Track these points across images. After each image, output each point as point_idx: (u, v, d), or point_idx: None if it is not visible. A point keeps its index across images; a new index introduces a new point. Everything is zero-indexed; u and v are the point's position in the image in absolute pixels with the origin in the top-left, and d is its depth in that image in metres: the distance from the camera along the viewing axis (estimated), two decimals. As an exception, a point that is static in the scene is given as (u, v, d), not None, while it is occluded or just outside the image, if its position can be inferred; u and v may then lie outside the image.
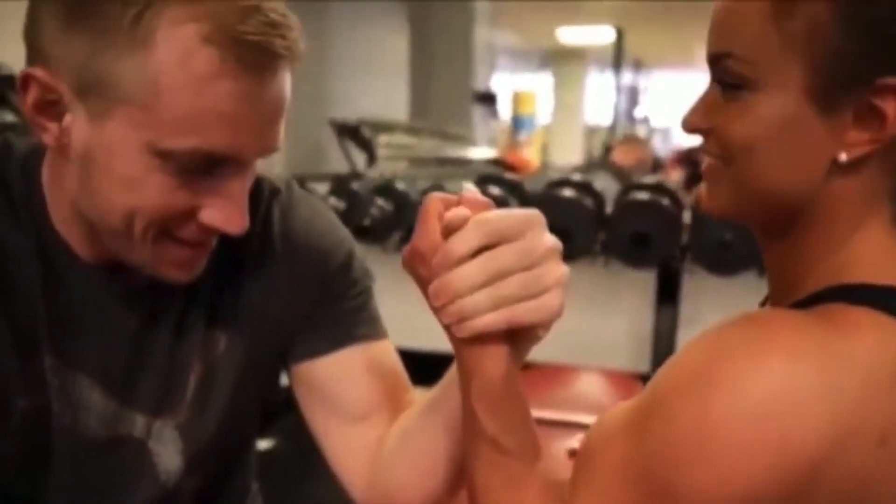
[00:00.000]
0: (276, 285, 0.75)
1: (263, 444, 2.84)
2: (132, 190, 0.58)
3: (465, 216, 0.55)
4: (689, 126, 0.62)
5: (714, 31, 0.60)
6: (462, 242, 0.55)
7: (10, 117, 1.99)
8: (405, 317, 1.46)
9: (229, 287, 0.74)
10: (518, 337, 0.59)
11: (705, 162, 0.63)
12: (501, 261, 0.54)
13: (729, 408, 0.51)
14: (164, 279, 0.66)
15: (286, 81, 0.61)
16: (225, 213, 0.61)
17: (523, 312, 0.55)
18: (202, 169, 0.59)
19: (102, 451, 0.72)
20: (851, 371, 0.51)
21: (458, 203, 0.57)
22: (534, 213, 0.56)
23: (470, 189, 0.58)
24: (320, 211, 0.81)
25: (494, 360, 0.59)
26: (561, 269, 0.56)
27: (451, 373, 0.70)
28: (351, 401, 0.78)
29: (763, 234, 0.65)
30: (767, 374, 0.51)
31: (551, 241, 0.56)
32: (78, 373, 0.70)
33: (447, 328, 0.59)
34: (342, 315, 0.78)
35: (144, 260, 0.64)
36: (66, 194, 0.65)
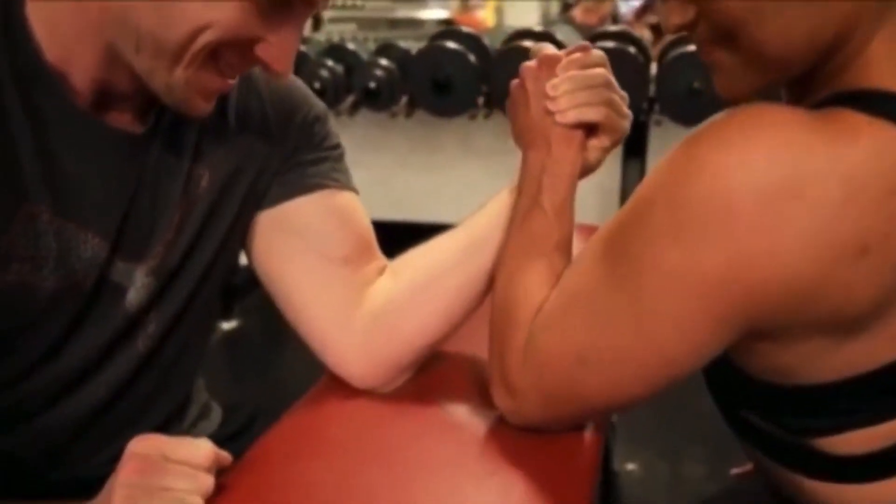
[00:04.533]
0: (255, 132, 0.77)
1: (227, 325, 2.84)
2: (213, 5, 0.59)
3: (555, 54, 0.74)
4: (672, 27, 0.59)
5: None
6: (563, 64, 0.73)
7: None
8: (356, 184, 1.36)
9: (213, 131, 0.75)
10: (591, 137, 0.74)
11: (704, 53, 0.59)
12: (579, 80, 0.72)
13: (704, 190, 0.52)
14: (185, 111, 0.67)
15: None
16: (279, 52, 0.64)
17: (589, 112, 0.72)
18: (281, 5, 0.61)
19: (86, 297, 0.69)
20: (832, 179, 0.50)
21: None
22: (600, 54, 0.74)
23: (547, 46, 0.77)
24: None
25: (573, 146, 0.72)
26: (608, 93, 0.73)
27: (480, 227, 0.78)
28: (331, 239, 0.79)
29: (792, 79, 0.60)
30: (749, 166, 0.51)
31: (607, 73, 0.74)
32: (74, 223, 0.67)
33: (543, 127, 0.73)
34: (320, 161, 0.80)
35: (177, 84, 0.63)
36: (84, 13, 0.62)
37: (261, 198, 0.79)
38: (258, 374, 2.56)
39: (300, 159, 0.79)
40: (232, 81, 0.68)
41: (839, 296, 0.52)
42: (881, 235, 0.51)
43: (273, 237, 0.79)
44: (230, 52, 0.63)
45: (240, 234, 0.79)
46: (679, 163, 0.54)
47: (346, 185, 0.81)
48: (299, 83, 0.83)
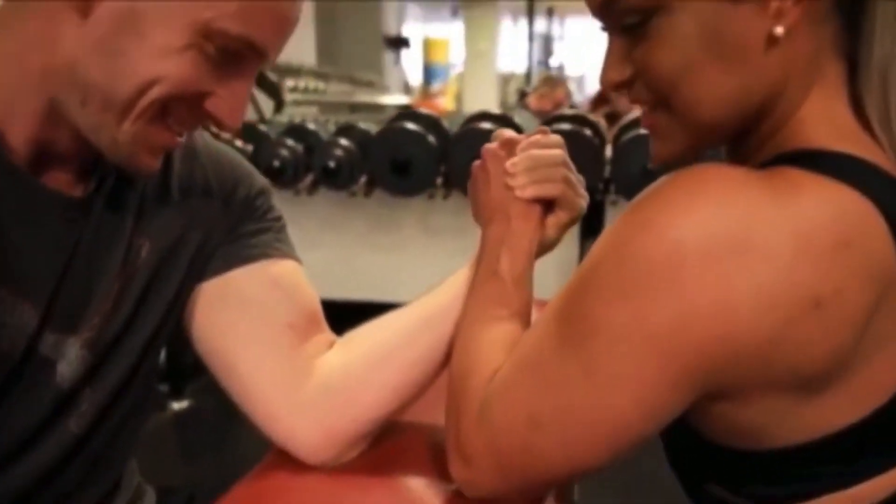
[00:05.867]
0: (198, 203, 0.76)
1: (178, 406, 2.77)
2: (163, 59, 0.59)
3: (515, 136, 0.77)
4: (610, 84, 0.60)
5: None
6: (523, 145, 0.76)
7: None
8: (315, 263, 1.35)
9: (155, 200, 0.74)
10: (549, 215, 0.76)
11: (643, 116, 0.61)
12: (538, 159, 0.75)
13: (650, 245, 0.51)
14: (131, 167, 0.65)
15: None
16: (229, 106, 0.63)
17: (547, 188, 0.74)
18: (232, 57, 0.61)
19: (12, 369, 0.66)
20: (781, 232, 0.50)
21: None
22: (558, 137, 0.76)
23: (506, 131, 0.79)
24: (229, 150, 0.83)
25: (532, 220, 0.74)
26: (565, 171, 0.75)
27: (439, 301, 0.77)
28: (276, 307, 0.77)
29: (728, 140, 0.62)
30: (696, 220, 0.51)
31: (564, 154, 0.76)
32: (4, 288, 0.64)
33: (503, 200, 0.75)
34: (262, 232, 0.79)
35: (124, 139, 0.62)
36: (26, 66, 0.61)
37: (202, 269, 0.76)
38: (210, 455, 2.47)
39: (243, 231, 0.78)
40: (180, 139, 0.66)
41: (794, 352, 0.52)
42: (833, 289, 0.50)
43: (215, 309, 0.77)
44: (180, 106, 0.62)
45: (180, 308, 0.76)
46: (624, 223, 0.55)
47: (290, 255, 0.80)
48: (242, 159, 0.83)
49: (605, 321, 0.54)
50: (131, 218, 0.72)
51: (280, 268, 0.78)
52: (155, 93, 0.60)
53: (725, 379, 0.53)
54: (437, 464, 0.73)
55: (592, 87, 10.23)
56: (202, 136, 0.80)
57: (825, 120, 0.57)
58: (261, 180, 0.82)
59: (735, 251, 0.50)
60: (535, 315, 0.72)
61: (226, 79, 0.62)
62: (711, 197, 0.51)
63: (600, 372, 0.55)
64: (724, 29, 0.54)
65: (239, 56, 0.62)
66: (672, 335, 0.52)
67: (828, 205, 0.51)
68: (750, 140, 0.60)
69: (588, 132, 2.73)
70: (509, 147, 0.75)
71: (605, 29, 0.61)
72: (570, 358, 0.56)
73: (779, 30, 0.54)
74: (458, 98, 10.45)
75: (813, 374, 0.53)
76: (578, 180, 0.77)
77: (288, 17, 0.63)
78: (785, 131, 0.58)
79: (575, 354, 0.56)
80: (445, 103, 9.21)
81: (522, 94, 6.98)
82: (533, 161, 0.74)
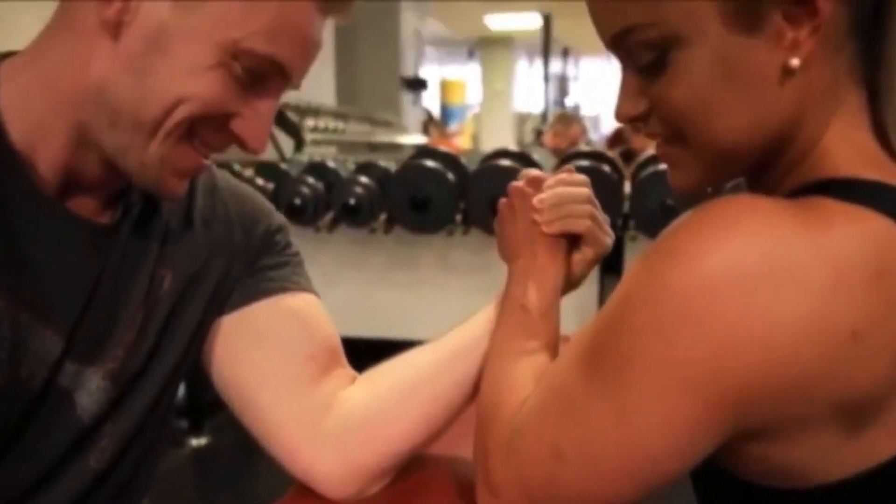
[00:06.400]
0: (219, 237, 0.77)
1: (196, 442, 2.77)
2: (192, 78, 0.60)
3: (541, 175, 0.78)
4: (624, 117, 0.60)
5: (601, 14, 0.58)
6: (549, 182, 0.76)
7: None
8: (334, 300, 1.35)
9: (178, 232, 0.74)
10: (574, 252, 0.76)
11: (659, 148, 0.61)
12: (564, 196, 0.75)
13: (683, 278, 0.50)
14: (158, 191, 0.66)
15: None
16: (254, 128, 0.64)
17: (574, 223, 0.74)
18: (258, 78, 0.62)
19: (32, 400, 0.65)
20: (817, 263, 0.49)
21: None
22: (584, 177, 0.77)
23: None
24: (249, 188, 0.85)
25: (558, 256, 0.74)
26: (591, 208, 0.75)
27: (466, 336, 0.77)
28: (295, 339, 0.77)
29: (747, 172, 0.62)
30: (729, 250, 0.50)
31: (589, 192, 0.76)
32: (29, 313, 0.64)
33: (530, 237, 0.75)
34: (280, 266, 0.79)
35: (151, 162, 0.63)
36: (57, 91, 0.62)
37: (223, 303, 0.77)
38: (228, 492, 2.45)
39: (262, 264, 0.79)
40: (206, 162, 0.67)
41: (834, 385, 0.50)
42: (872, 319, 0.49)
43: (234, 342, 0.77)
44: (206, 127, 0.64)
45: (201, 341, 0.76)
46: (655, 256, 0.54)
47: (309, 289, 0.81)
48: (261, 196, 0.84)
49: (636, 355, 0.53)
50: (156, 247, 0.72)
51: (300, 301, 0.79)
52: (183, 112, 0.61)
53: (762, 416, 0.52)
54: (461, 498, 0.72)
55: (608, 126, 10.29)
56: (223, 174, 0.81)
57: (850, 148, 0.56)
58: (279, 217, 0.83)
59: (770, 283, 0.49)
60: (561, 350, 0.71)
61: (251, 99, 0.64)
62: (743, 228, 0.51)
63: (629, 408, 0.54)
64: (740, 62, 0.54)
65: (265, 77, 0.63)
66: (706, 371, 0.50)
67: (861, 234, 0.50)
68: (772, 171, 0.60)
69: (606, 168, 2.74)
70: (536, 185, 0.76)
71: (618, 61, 0.61)
72: (598, 392, 0.55)
73: (794, 61, 0.53)
74: (475, 138, 10.54)
75: (854, 406, 0.52)
76: (604, 219, 0.77)
77: (313, 39, 0.65)
78: (809, 161, 0.57)
79: (603, 388, 0.55)
80: (462, 143, 9.27)
81: (538, 133, 7.03)
82: (560, 197, 0.74)
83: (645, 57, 0.56)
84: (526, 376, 0.68)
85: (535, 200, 0.75)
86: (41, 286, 0.64)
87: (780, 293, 0.49)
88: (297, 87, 0.68)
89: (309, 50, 0.65)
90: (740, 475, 0.58)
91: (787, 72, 0.54)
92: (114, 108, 0.61)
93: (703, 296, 0.50)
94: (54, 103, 0.63)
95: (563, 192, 0.75)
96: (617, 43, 0.58)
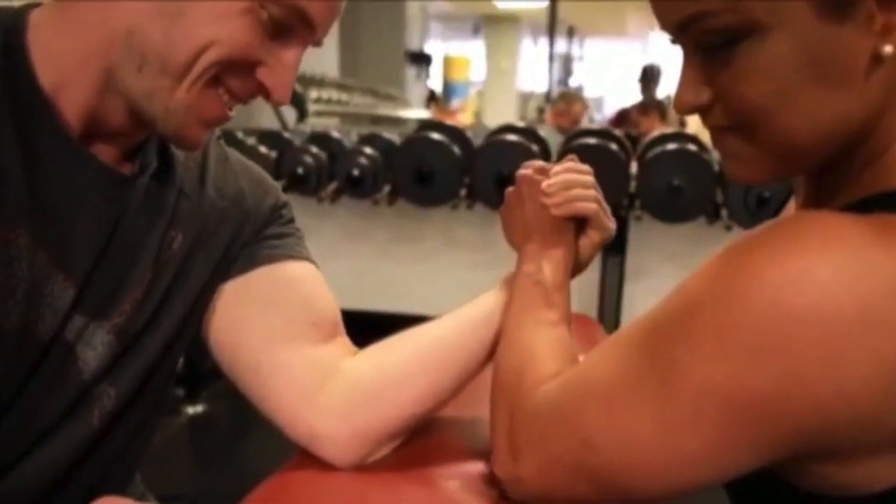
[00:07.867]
0: (230, 203, 0.77)
1: (192, 410, 2.76)
2: (220, 22, 0.60)
3: (547, 164, 0.81)
4: (686, 106, 0.56)
5: None
6: (556, 169, 0.79)
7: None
8: (335, 272, 1.35)
9: (191, 195, 0.75)
10: (581, 236, 0.79)
11: (716, 139, 0.57)
12: (572, 181, 0.78)
13: (759, 303, 0.47)
14: (180, 138, 0.66)
15: None
16: (279, 77, 0.65)
17: (583, 206, 0.77)
18: (285, 29, 0.63)
19: (39, 348, 0.64)
20: None
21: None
22: (588, 167, 0.79)
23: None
24: (256, 165, 0.85)
25: (567, 236, 0.77)
26: (594, 192, 0.78)
27: (478, 311, 0.78)
28: (298, 304, 0.77)
29: (811, 170, 0.58)
30: (816, 287, 0.46)
31: (593, 179, 0.79)
32: (48, 255, 0.63)
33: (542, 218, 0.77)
34: (284, 236, 0.80)
35: (177, 107, 0.62)
36: (87, 37, 0.62)
37: (227, 269, 0.77)
38: (224, 461, 2.45)
39: (267, 233, 0.79)
40: (231, 113, 0.67)
41: None
42: None
43: (237, 307, 0.76)
44: (232, 76, 0.64)
45: (203, 306, 0.76)
46: (729, 274, 0.50)
47: (311, 260, 0.81)
48: (267, 174, 0.85)
49: (693, 372, 0.50)
50: (169, 208, 0.72)
51: (303, 269, 0.79)
52: (211, 56, 0.61)
53: (819, 443, 0.50)
54: (471, 461, 0.71)
55: (610, 107, 10.23)
56: (233, 151, 0.82)
57: None
58: (284, 195, 0.85)
59: (854, 322, 0.46)
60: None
61: (277, 50, 0.64)
62: (827, 256, 0.47)
63: (675, 421, 0.52)
64: (827, 50, 0.50)
65: (291, 28, 0.63)
66: (767, 404, 0.48)
67: None
68: (839, 173, 0.56)
69: (614, 146, 2.72)
70: (543, 173, 0.79)
71: (678, 45, 0.56)
72: (642, 395, 0.53)
73: (888, 48, 0.49)
74: (478, 115, 10.49)
75: None
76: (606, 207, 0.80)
77: None
78: (880, 165, 0.54)
79: (649, 393, 0.53)
80: (464, 119, 9.22)
81: (541, 112, 6.98)
82: (568, 182, 0.77)
83: (714, 44, 0.52)
84: (550, 346, 0.68)
85: (544, 185, 0.77)
86: (60, 228, 0.64)
87: (864, 335, 0.46)
88: (319, 43, 0.68)
89: (334, 5, 0.66)
90: (789, 481, 0.56)
91: (877, 60, 0.50)
92: (142, 51, 0.61)
93: (781, 334, 0.47)
94: (82, 46, 0.63)
95: (570, 178, 0.77)
96: (683, 28, 0.53)
